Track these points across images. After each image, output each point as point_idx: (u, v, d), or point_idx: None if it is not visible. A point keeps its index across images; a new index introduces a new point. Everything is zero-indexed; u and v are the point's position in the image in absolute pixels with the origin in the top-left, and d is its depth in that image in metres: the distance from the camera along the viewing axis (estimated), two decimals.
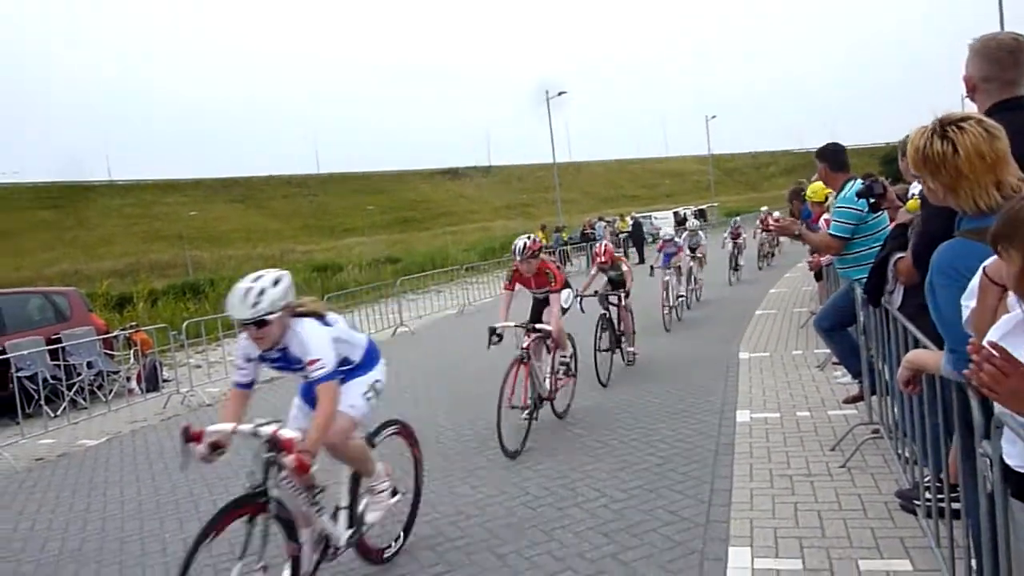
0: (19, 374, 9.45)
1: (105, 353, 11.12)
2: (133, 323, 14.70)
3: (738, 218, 20.23)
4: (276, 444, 3.07)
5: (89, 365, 10.42)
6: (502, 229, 63.39)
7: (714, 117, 73.30)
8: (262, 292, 3.26)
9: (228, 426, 3.25)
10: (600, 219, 31.12)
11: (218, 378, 11.07)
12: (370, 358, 3.92)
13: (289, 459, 3.04)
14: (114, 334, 12.19)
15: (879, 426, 4.85)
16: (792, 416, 5.78)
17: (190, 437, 3.15)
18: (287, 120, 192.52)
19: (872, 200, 4.52)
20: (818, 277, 9.75)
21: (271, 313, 3.27)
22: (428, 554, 4.05)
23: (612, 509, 4.35)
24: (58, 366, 10.00)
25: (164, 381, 11.28)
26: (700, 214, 44.71)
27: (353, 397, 3.69)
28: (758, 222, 12.77)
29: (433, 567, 3.88)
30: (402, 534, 4.13)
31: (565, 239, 26.64)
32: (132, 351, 11.47)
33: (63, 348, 10.13)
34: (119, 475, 6.50)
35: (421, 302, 17.85)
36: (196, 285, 30.14)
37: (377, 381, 3.88)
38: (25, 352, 9.70)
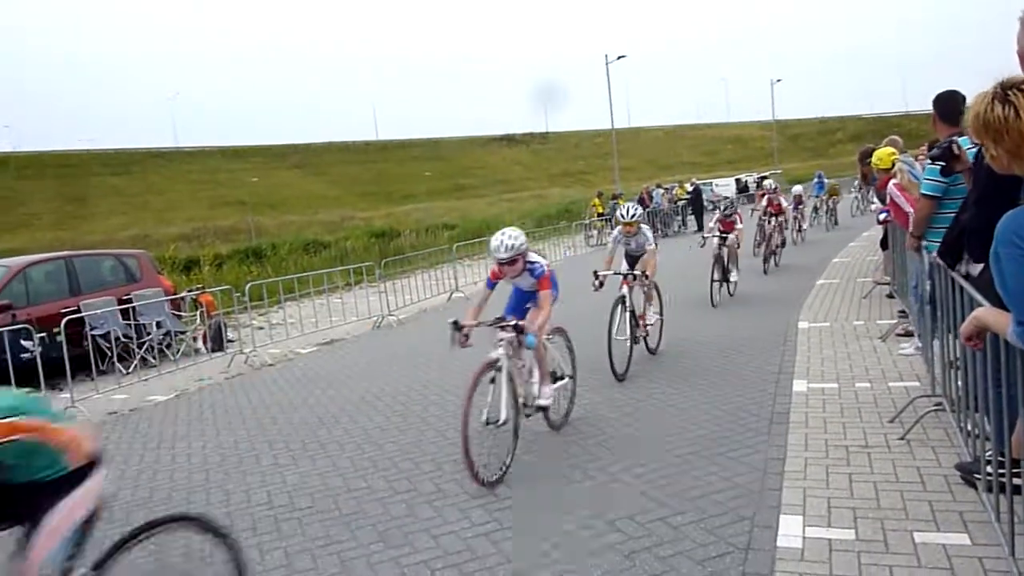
0: (93, 332, 9.90)
1: (173, 314, 11.51)
2: (199, 285, 15.17)
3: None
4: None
5: (158, 325, 10.80)
6: (558, 196, 63.06)
7: (779, 81, 71.43)
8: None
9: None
10: (658, 186, 30.64)
11: (279, 339, 11.39)
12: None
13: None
14: (181, 295, 12.60)
15: (942, 399, 4.72)
16: (851, 387, 5.67)
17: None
18: (347, 87, 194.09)
19: (943, 164, 4.35)
20: (884, 246, 9.47)
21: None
22: (479, 512, 4.12)
23: (664, 474, 4.35)
24: (129, 325, 10.40)
25: (228, 341, 11.64)
26: (763, 181, 43.69)
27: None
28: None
29: (485, 525, 3.95)
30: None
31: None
32: (198, 312, 11.85)
33: (134, 308, 10.53)
34: (186, 429, 6.78)
35: (476, 268, 17.98)
36: (259, 250, 30.86)
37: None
38: (98, 311, 10.11)
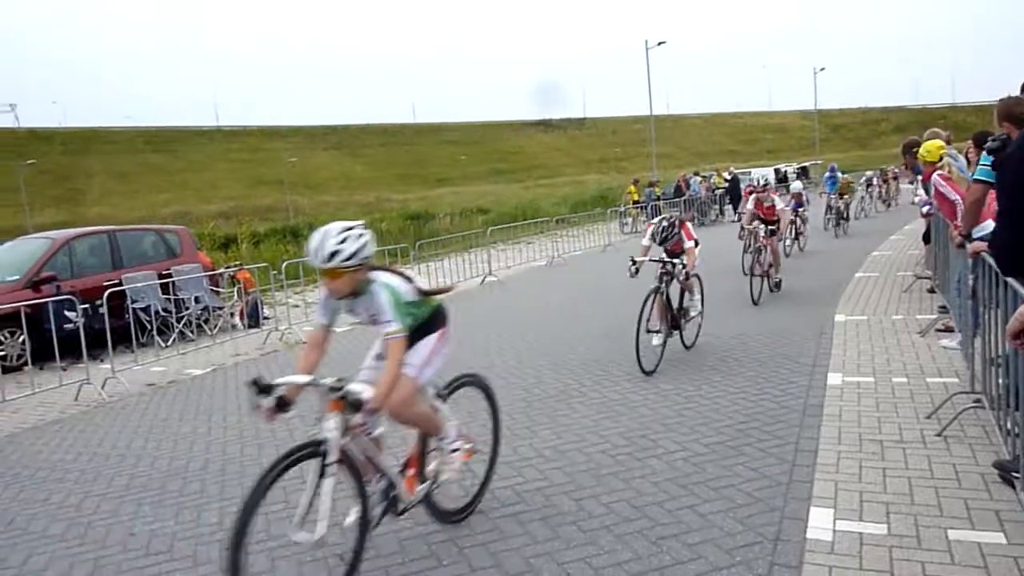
0: (134, 306, 10.11)
1: (211, 289, 11.70)
2: (237, 262, 15.40)
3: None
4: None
5: (196, 300, 11.00)
6: (595, 183, 62.73)
7: (822, 70, 70.19)
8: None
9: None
10: (696, 174, 30.31)
11: (315, 318, 11.52)
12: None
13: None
14: (219, 271, 12.81)
15: (981, 396, 4.63)
16: (887, 381, 5.58)
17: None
18: (385, 70, 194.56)
19: (993, 157, 4.25)
20: (926, 240, 9.29)
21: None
22: (508, 493, 4.15)
23: (692, 463, 4.34)
24: (169, 299, 10.61)
25: (264, 318, 11.82)
26: (803, 172, 42.97)
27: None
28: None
29: (514, 506, 3.98)
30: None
31: (658, 194, 26.11)
32: (236, 288, 12.03)
33: (173, 283, 10.73)
34: (223, 402, 6.91)
35: (510, 253, 17.99)
36: (296, 229, 31.23)
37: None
38: (140, 285, 10.33)
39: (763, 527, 3.48)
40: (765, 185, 12.20)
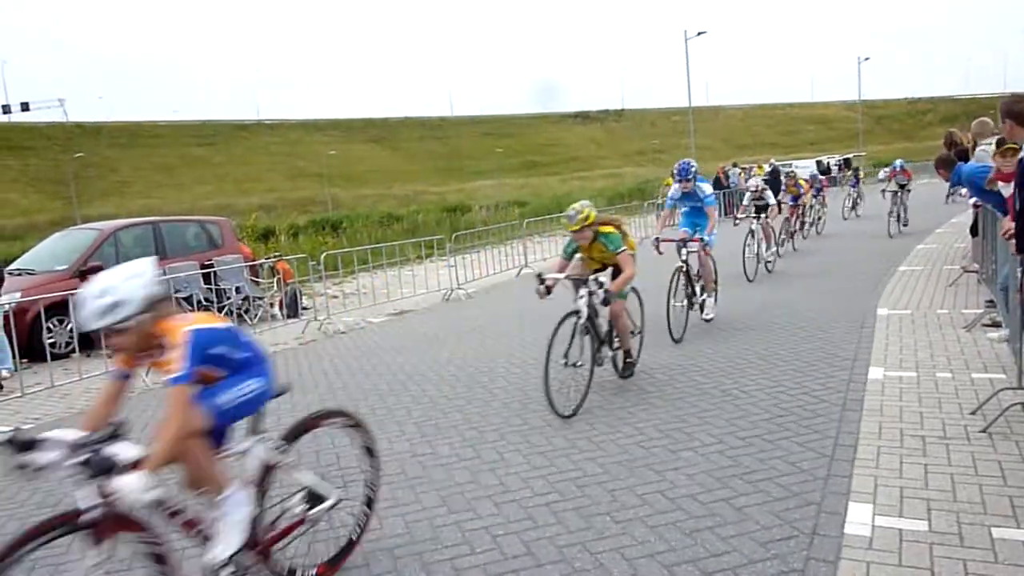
0: (177, 295, 10.32)
1: (251, 280, 11.90)
2: (276, 253, 15.62)
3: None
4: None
5: (237, 290, 11.20)
6: (631, 176, 62.31)
7: (867, 59, 68.40)
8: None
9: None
10: (735, 165, 29.90)
11: (352, 308, 11.65)
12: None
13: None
14: (259, 262, 13.01)
15: None
16: (931, 376, 5.46)
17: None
18: (422, 63, 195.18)
19: None
20: (974, 232, 9.06)
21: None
22: (540, 483, 4.16)
23: (728, 456, 4.30)
24: (210, 289, 10.81)
25: (303, 308, 11.99)
26: (846, 164, 42.14)
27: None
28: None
29: (547, 495, 3.99)
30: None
31: None
32: (275, 279, 12.22)
33: (215, 273, 10.93)
34: None
35: (546, 245, 17.98)
36: (335, 221, 31.57)
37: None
38: (183, 275, 10.55)
39: (799, 521, 3.43)
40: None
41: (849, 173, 17.45)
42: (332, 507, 3.38)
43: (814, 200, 16.57)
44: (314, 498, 3.32)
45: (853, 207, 20.68)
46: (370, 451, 3.61)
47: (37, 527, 2.42)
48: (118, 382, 2.89)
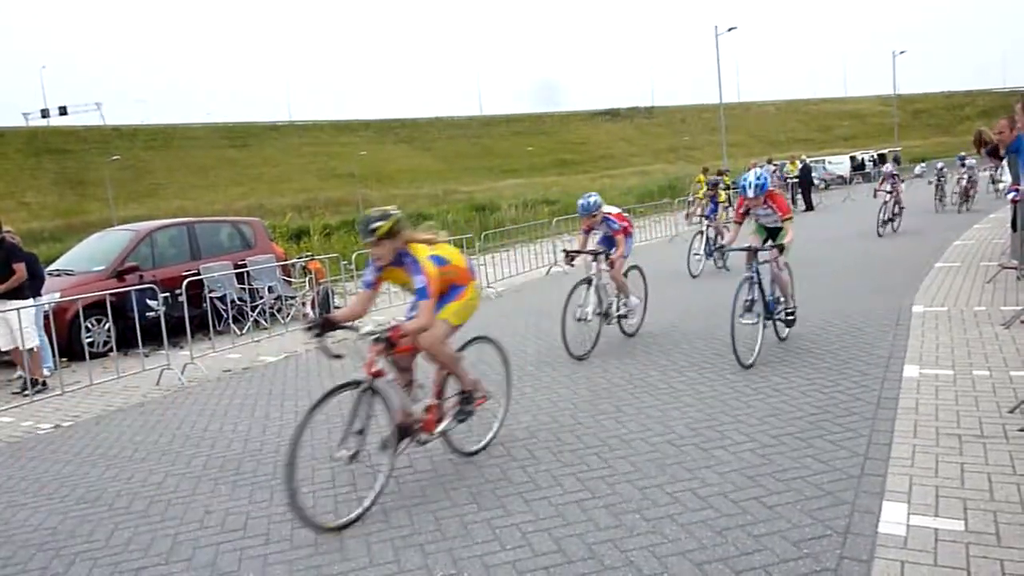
0: (211, 295, 10.50)
1: (284, 279, 12.04)
2: (308, 253, 15.79)
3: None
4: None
5: (270, 289, 11.33)
6: (661, 173, 61.87)
7: (902, 52, 67.16)
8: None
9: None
10: (769, 161, 29.55)
11: (383, 307, 11.72)
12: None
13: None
14: (291, 262, 13.15)
15: None
16: (968, 374, 5.36)
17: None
18: (452, 63, 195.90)
19: None
20: (1015, 226, 8.89)
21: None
22: (570, 480, 4.16)
23: (760, 454, 4.26)
24: (244, 289, 10.96)
25: (335, 308, 12.09)
26: (880, 159, 41.44)
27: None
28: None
29: (577, 493, 3.99)
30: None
31: (727, 184, 25.54)
32: (307, 279, 12.34)
33: (248, 273, 11.08)
34: (294, 389, 7.11)
35: (576, 244, 17.91)
36: None
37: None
38: (216, 275, 10.71)
39: (832, 520, 3.40)
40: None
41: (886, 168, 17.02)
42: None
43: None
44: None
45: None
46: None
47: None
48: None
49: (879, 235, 14.86)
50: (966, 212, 18.29)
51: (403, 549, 3.56)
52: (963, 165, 20.44)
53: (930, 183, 20.99)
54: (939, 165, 21.61)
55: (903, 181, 15.43)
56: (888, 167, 17.16)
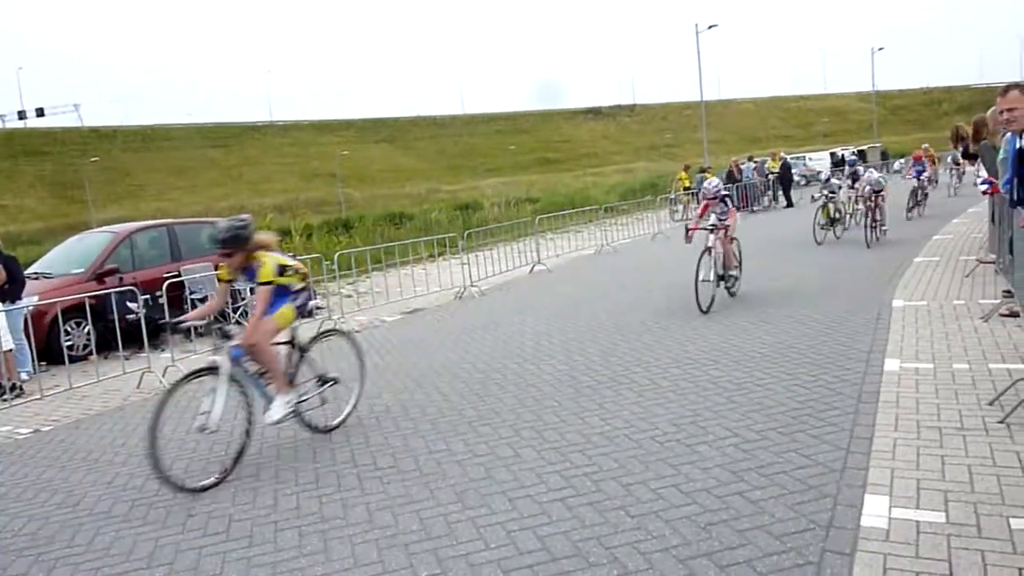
0: (192, 296, 10.39)
1: None
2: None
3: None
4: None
5: (251, 290, 11.24)
6: (644, 171, 62.12)
7: (881, 49, 67.92)
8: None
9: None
10: (749, 159, 29.71)
11: (366, 307, 11.69)
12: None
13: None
14: None
15: None
16: (947, 367, 5.42)
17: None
18: (432, 62, 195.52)
19: None
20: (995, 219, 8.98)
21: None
22: (555, 478, 4.16)
23: (743, 449, 4.28)
24: None
25: (317, 308, 12.01)
26: (860, 155, 41.77)
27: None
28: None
29: (560, 491, 3.99)
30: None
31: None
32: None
33: None
34: None
35: (559, 241, 17.95)
36: (348, 221, 31.65)
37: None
38: (197, 276, 10.61)
39: (815, 514, 3.42)
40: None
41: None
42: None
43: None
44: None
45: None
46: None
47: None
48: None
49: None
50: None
51: (387, 549, 3.54)
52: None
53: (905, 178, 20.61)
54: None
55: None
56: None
